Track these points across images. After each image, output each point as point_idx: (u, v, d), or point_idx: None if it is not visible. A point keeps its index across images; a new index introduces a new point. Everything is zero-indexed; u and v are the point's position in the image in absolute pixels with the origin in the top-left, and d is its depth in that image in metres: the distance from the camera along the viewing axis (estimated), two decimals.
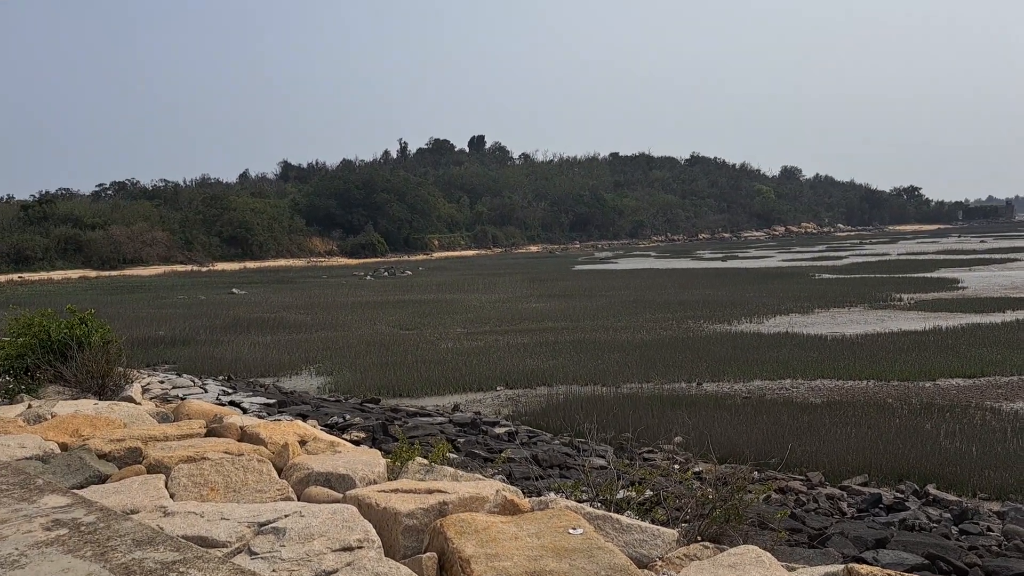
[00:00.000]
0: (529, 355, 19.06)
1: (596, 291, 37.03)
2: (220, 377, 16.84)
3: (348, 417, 8.97)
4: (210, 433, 4.78)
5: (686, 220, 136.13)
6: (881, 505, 7.59)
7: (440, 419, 11.31)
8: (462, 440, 7.97)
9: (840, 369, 15.86)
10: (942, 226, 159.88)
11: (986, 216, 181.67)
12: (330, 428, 8.62)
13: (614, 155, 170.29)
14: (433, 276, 55.93)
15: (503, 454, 7.45)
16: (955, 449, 10.01)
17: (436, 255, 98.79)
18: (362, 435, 8.20)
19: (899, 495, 8.20)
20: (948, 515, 7.42)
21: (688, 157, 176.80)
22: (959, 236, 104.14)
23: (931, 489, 8.24)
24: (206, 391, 11.13)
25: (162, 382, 11.70)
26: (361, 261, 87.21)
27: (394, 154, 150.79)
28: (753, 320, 24.57)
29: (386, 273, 60.52)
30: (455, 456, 7.36)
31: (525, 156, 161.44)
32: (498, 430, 10.62)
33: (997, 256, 54.92)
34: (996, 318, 22.71)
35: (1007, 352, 16.78)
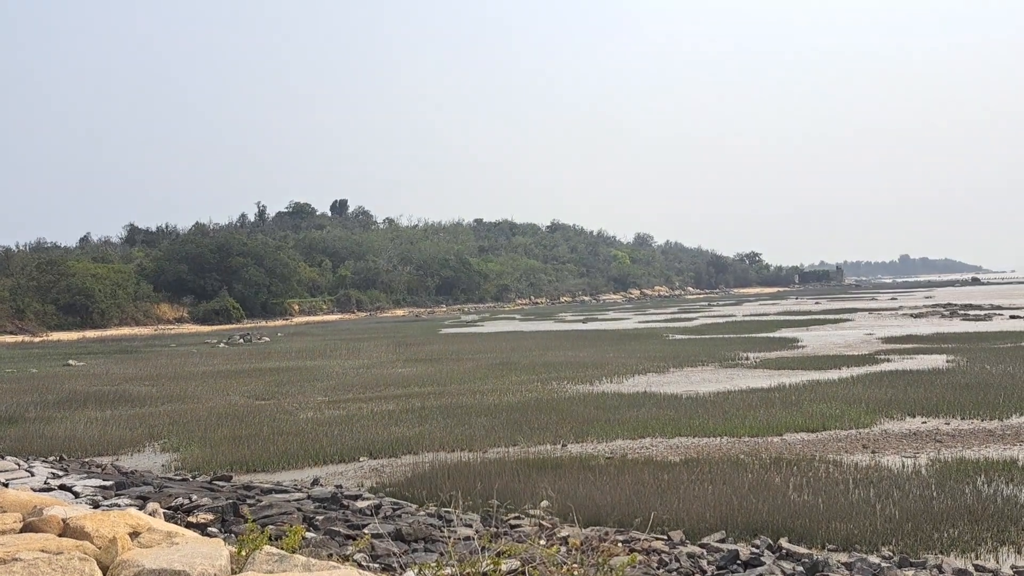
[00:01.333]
0: (394, 422, 18.60)
1: (463, 354, 36.94)
2: (52, 457, 15.34)
3: (195, 498, 8.30)
4: (27, 528, 4.23)
5: (548, 284, 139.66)
6: (739, 561, 7.78)
7: (298, 495, 10.71)
8: (320, 517, 7.52)
9: (696, 427, 16.43)
10: (781, 289, 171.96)
11: (819, 279, 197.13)
12: (175, 510, 7.94)
13: (478, 221, 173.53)
14: (293, 342, 54.11)
15: (365, 530, 7.11)
16: (803, 502, 10.48)
17: (296, 320, 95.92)
18: (210, 517, 7.60)
19: (755, 550, 8.45)
20: (800, 568, 7.69)
21: (549, 224, 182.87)
22: (796, 298, 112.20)
23: (784, 543, 8.55)
24: (33, 474, 10.04)
25: None
26: (214, 328, 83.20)
27: (252, 217, 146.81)
28: (614, 380, 25.17)
29: (241, 340, 57.91)
30: (313, 535, 6.94)
31: (389, 220, 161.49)
32: (361, 504, 10.17)
33: (831, 316, 59.44)
34: (833, 375, 24.37)
35: (844, 407, 17.96)
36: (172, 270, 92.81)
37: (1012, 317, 50.52)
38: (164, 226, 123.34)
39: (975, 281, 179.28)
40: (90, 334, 76.06)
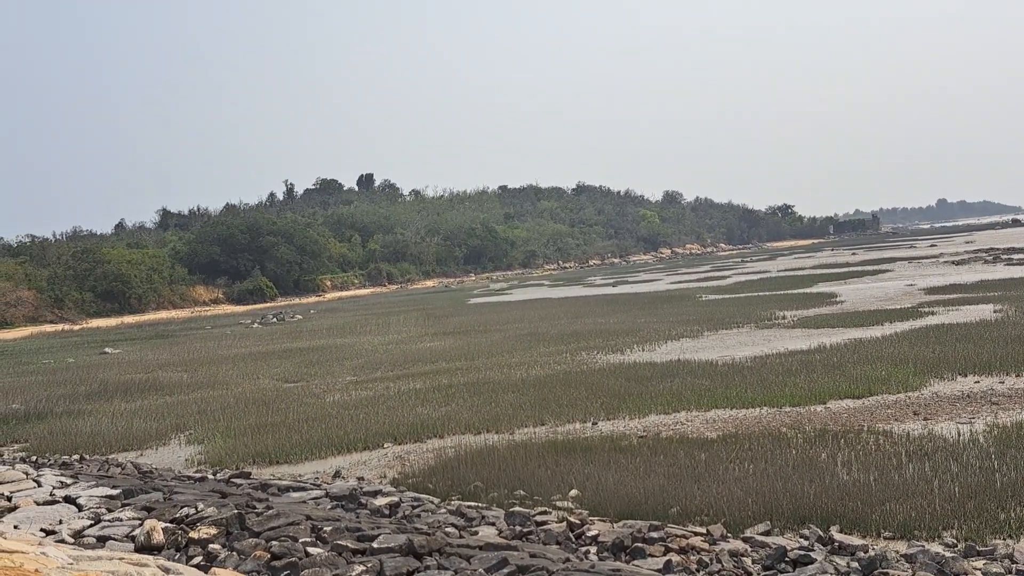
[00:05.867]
0: (421, 402, 18.15)
1: (491, 325, 36.42)
2: (74, 457, 15.11)
3: (201, 507, 7.83)
4: None
5: (576, 248, 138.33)
6: (787, 559, 7.11)
7: (315, 493, 10.26)
8: (329, 528, 7.01)
9: (732, 397, 15.67)
10: (816, 240, 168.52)
11: (855, 229, 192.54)
12: (177, 523, 7.49)
13: (503, 187, 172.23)
14: (325, 319, 54.04)
15: (375, 543, 6.57)
16: (853, 481, 9.75)
17: (329, 296, 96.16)
18: (213, 531, 7.12)
19: (803, 541, 7.77)
20: (856, 564, 6.99)
21: (575, 187, 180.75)
22: (832, 250, 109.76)
23: (835, 533, 7.85)
24: (40, 484, 9.67)
25: None
26: (249, 308, 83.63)
27: (280, 196, 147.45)
28: (645, 348, 24.44)
29: (275, 319, 57.99)
30: (319, 551, 6.41)
31: (415, 192, 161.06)
32: (379, 501, 9.67)
33: (869, 268, 57.75)
34: (876, 332, 23.34)
35: (891, 368, 17.03)
36: (205, 252, 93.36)
37: None
38: (196, 209, 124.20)
39: (1016, 223, 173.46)
40: (128, 320, 76.75)
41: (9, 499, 8.77)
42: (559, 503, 9.79)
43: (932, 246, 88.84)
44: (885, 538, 8.12)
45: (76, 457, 14.92)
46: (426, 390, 19.77)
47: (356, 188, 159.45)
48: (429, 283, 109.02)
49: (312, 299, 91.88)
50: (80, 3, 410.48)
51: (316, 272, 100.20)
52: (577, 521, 8.37)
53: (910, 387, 15.32)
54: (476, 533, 8.08)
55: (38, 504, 8.54)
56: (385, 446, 14.58)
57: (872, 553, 7.11)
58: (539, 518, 8.70)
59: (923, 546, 7.45)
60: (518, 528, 8.28)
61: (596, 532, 7.99)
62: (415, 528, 7.74)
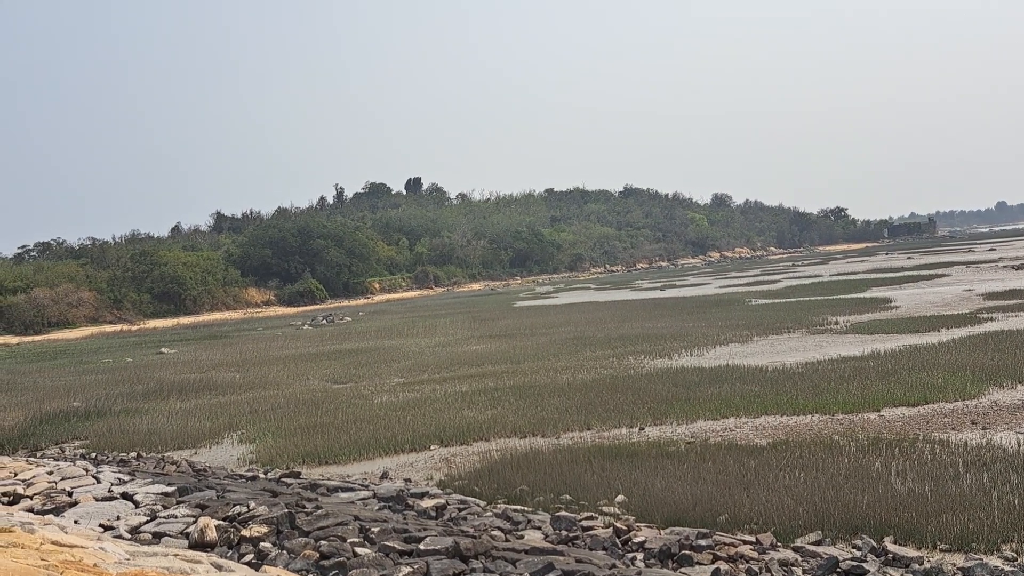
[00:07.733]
0: (467, 405, 18.24)
1: (537, 329, 36.42)
2: (131, 454, 15.56)
3: (252, 505, 7.99)
4: None
5: (623, 251, 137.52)
6: (839, 570, 6.97)
7: (363, 493, 10.40)
8: (376, 529, 7.09)
9: (783, 403, 15.42)
10: (869, 244, 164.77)
11: (910, 232, 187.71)
12: (230, 521, 7.67)
13: (549, 191, 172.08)
14: (373, 321, 54.65)
15: (421, 545, 6.63)
16: (908, 491, 9.51)
17: (377, 298, 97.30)
18: (264, 529, 7.26)
19: (856, 552, 7.61)
20: None
21: (622, 189, 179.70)
22: (887, 254, 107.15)
23: (889, 544, 7.66)
24: (99, 481, 9.98)
25: (51, 473, 10.47)
26: (299, 309, 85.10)
27: (330, 200, 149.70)
28: (693, 353, 24.19)
29: (324, 321, 58.89)
30: (367, 551, 6.50)
31: (462, 196, 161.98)
32: (426, 503, 9.76)
33: (925, 272, 56.26)
34: (932, 338, 22.75)
35: (947, 376, 16.59)
36: (257, 255, 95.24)
37: None
38: (249, 212, 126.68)
39: None
40: (184, 320, 78.62)
41: (70, 494, 9.07)
42: (605, 508, 9.75)
43: (991, 250, 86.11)
44: (941, 550, 7.90)
45: (133, 454, 15.37)
46: (472, 393, 19.85)
47: (404, 192, 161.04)
48: (475, 286, 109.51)
49: (361, 301, 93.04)
50: (149, 23, 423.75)
51: (365, 275, 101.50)
52: (624, 527, 8.33)
53: (968, 395, 14.90)
54: (522, 537, 8.10)
55: (97, 500, 8.82)
56: (432, 448, 14.69)
57: (928, 565, 6.94)
58: (585, 523, 8.69)
59: (981, 559, 7.24)
60: (564, 533, 8.28)
61: (643, 538, 7.94)
62: (461, 531, 7.80)
